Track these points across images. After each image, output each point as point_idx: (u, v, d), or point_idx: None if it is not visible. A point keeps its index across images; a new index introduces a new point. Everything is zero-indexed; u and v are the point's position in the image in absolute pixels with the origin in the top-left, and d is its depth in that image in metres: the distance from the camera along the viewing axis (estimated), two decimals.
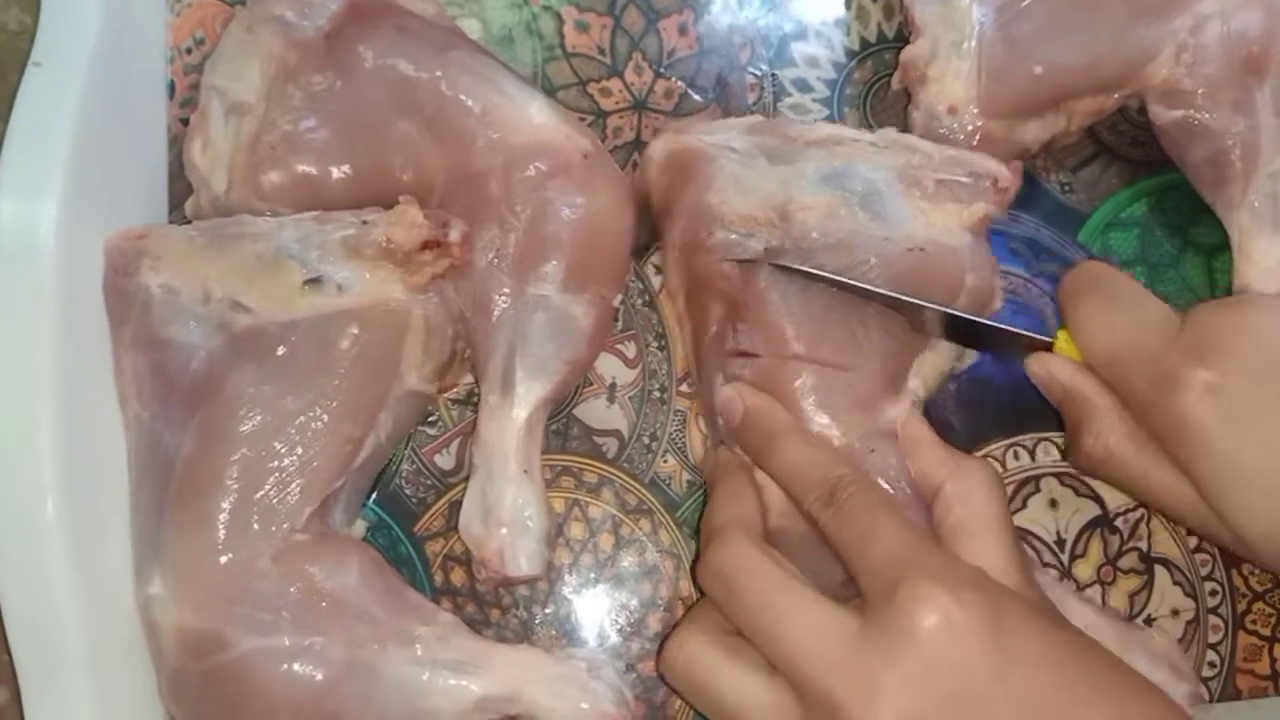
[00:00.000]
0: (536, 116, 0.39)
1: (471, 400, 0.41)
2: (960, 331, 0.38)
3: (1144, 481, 0.36)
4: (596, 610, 0.40)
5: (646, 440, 0.41)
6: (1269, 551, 0.34)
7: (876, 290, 0.37)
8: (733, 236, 0.38)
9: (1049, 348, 0.38)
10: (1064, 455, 0.41)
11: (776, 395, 0.37)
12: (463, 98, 0.38)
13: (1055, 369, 0.38)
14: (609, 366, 0.42)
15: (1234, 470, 0.34)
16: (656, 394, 0.42)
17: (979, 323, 0.38)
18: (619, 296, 0.41)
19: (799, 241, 0.37)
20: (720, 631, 0.33)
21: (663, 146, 0.40)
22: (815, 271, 0.37)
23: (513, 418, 0.38)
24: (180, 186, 0.42)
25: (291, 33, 0.39)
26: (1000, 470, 0.41)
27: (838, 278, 0.37)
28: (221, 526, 0.35)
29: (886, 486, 0.36)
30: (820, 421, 0.37)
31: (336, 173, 0.39)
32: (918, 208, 0.38)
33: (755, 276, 0.38)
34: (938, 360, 0.39)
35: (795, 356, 0.37)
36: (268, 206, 0.39)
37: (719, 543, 0.34)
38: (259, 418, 0.36)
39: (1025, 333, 0.38)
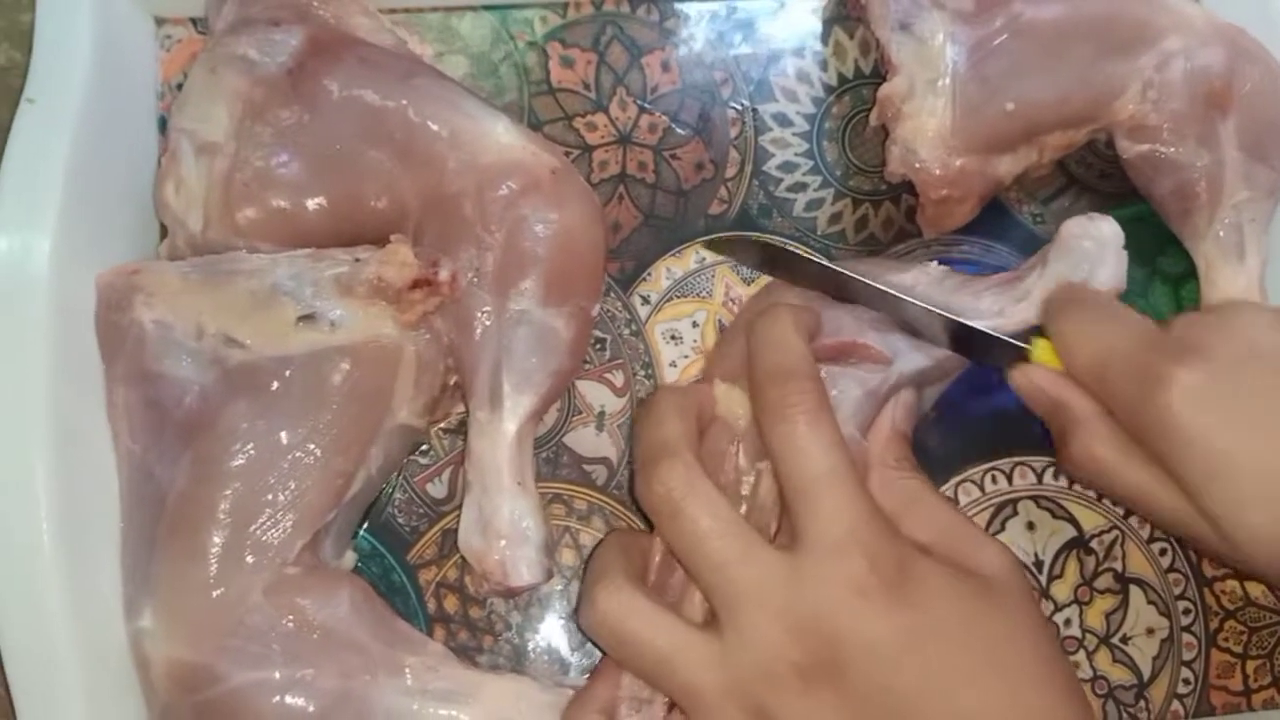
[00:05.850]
0: (503, 136, 0.39)
1: (463, 430, 0.42)
2: (940, 332, 0.39)
3: (1131, 487, 0.36)
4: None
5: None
6: (1257, 552, 0.34)
7: (863, 280, 0.39)
8: None
9: (1026, 355, 0.38)
10: (1057, 470, 0.42)
11: None
12: (430, 123, 0.39)
13: (1038, 378, 0.38)
14: (597, 395, 0.43)
15: (1220, 466, 0.34)
16: None
17: (959, 324, 0.38)
18: (597, 306, 0.41)
19: None
20: (639, 579, 0.35)
21: None
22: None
23: (503, 431, 0.38)
24: None
25: (255, 71, 0.39)
26: (979, 494, 0.42)
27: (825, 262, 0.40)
28: (214, 560, 0.36)
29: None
30: None
31: (312, 204, 0.39)
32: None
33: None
34: None
35: None
36: (245, 242, 0.39)
37: (670, 461, 0.34)
38: (252, 452, 0.36)
39: (1003, 337, 0.38)
